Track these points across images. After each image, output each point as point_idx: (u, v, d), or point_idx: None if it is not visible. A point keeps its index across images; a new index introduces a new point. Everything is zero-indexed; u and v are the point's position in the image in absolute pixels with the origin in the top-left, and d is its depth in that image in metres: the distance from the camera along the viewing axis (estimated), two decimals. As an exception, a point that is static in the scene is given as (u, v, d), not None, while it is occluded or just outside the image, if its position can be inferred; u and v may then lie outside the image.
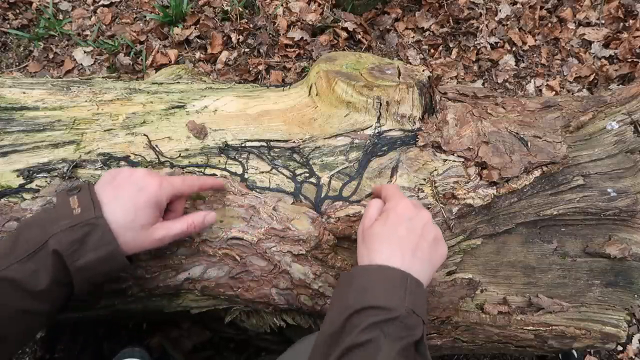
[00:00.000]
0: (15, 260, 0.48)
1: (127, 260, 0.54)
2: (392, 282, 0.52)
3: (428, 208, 0.67)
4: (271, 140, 0.70)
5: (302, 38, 1.54)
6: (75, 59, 1.49)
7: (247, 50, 1.53)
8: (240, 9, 1.54)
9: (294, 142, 0.70)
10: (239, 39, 1.53)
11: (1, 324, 0.49)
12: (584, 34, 1.64)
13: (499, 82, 1.59)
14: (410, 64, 1.37)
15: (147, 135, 0.68)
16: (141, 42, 1.51)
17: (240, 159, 0.68)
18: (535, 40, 1.64)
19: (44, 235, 0.49)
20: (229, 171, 0.67)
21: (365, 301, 0.51)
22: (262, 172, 0.68)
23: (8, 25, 1.49)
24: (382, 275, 0.53)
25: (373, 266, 0.54)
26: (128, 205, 0.53)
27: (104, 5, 1.58)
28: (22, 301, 0.49)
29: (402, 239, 0.55)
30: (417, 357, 0.51)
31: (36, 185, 0.62)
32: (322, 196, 0.67)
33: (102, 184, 0.55)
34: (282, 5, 1.57)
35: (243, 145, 0.69)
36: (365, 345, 0.48)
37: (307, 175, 0.68)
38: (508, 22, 1.66)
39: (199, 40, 1.54)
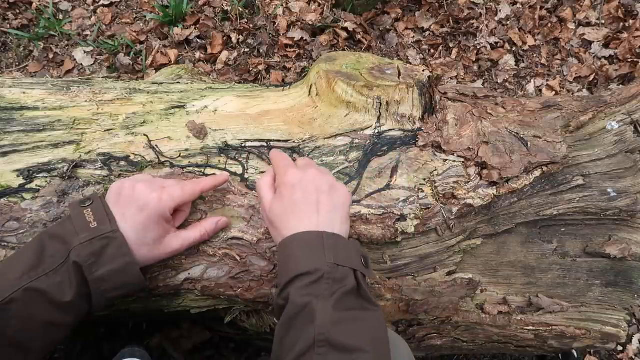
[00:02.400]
0: (43, 272, 0.50)
1: (142, 274, 0.55)
2: (308, 245, 0.53)
3: (427, 208, 0.67)
4: (271, 140, 0.70)
5: (302, 38, 1.54)
6: (75, 59, 1.48)
7: (247, 50, 1.53)
8: (240, 9, 1.54)
9: (294, 142, 0.70)
10: (239, 39, 1.53)
11: (28, 336, 0.50)
12: (584, 34, 1.63)
13: (499, 82, 1.59)
14: (410, 64, 1.37)
15: (147, 135, 0.68)
16: (141, 42, 1.51)
17: (240, 159, 0.68)
18: (535, 40, 1.64)
19: (67, 249, 0.51)
20: (229, 171, 0.67)
21: (289, 272, 0.52)
22: (262, 172, 0.68)
23: (8, 25, 1.49)
24: (297, 242, 0.54)
25: (287, 238, 0.55)
26: (134, 224, 0.55)
27: (104, 5, 1.58)
28: (49, 313, 0.51)
29: (300, 204, 0.55)
30: (361, 302, 0.51)
31: (36, 185, 0.62)
32: (322, 196, 0.67)
33: (110, 202, 0.56)
34: (282, 5, 1.57)
35: (243, 145, 0.69)
36: (301, 311, 0.49)
37: (307, 175, 0.68)
38: (508, 22, 1.66)
39: (199, 40, 1.54)
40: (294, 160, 0.64)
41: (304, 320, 0.48)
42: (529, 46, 1.63)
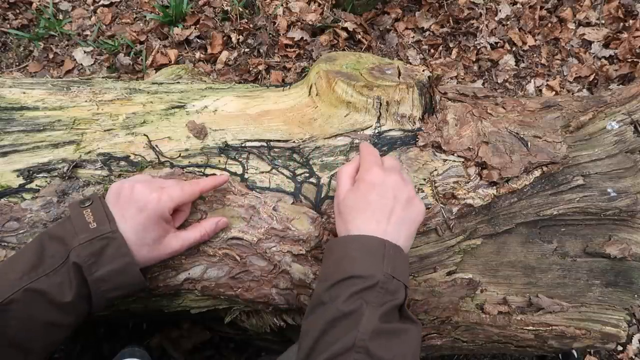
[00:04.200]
0: (43, 273, 0.50)
1: (141, 274, 0.55)
2: (368, 250, 0.53)
3: (428, 208, 0.67)
4: (271, 140, 0.70)
5: (302, 38, 1.54)
6: (75, 59, 1.49)
7: (247, 50, 1.53)
8: (240, 9, 1.54)
9: (294, 142, 0.70)
10: (239, 39, 1.53)
11: (28, 336, 0.51)
12: (584, 34, 1.63)
13: (499, 82, 1.59)
14: (410, 64, 1.37)
15: (147, 135, 0.68)
16: (141, 42, 1.51)
17: (240, 159, 0.68)
18: (535, 40, 1.64)
19: (66, 250, 0.51)
20: (229, 171, 0.67)
21: (344, 272, 0.52)
22: (262, 172, 0.68)
23: (8, 25, 1.49)
24: (359, 244, 0.54)
25: (349, 236, 0.55)
26: (134, 224, 0.55)
27: (104, 5, 1.58)
28: (49, 313, 0.51)
29: (374, 206, 0.55)
30: (401, 321, 0.52)
31: (36, 185, 0.62)
32: (322, 196, 0.67)
33: (109, 203, 0.56)
34: (282, 5, 1.57)
35: (243, 145, 0.69)
36: (348, 315, 0.49)
37: (307, 175, 0.68)
38: (508, 22, 1.66)
39: (199, 40, 1.54)
40: (382, 156, 0.63)
41: (349, 324, 0.48)
42: (529, 46, 1.63)
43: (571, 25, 1.65)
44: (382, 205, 0.55)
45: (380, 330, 0.48)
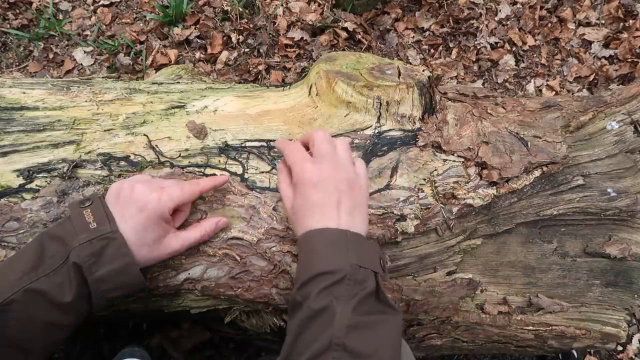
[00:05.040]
0: (43, 273, 0.50)
1: (141, 274, 0.55)
2: (330, 243, 0.53)
3: (427, 208, 0.67)
4: (271, 140, 0.70)
5: (302, 38, 1.54)
6: (75, 59, 1.49)
7: (247, 50, 1.53)
8: (240, 9, 1.54)
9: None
10: (239, 39, 1.53)
11: (28, 337, 0.51)
12: (584, 34, 1.63)
13: (499, 82, 1.59)
14: (410, 64, 1.37)
15: (147, 135, 0.68)
16: (141, 42, 1.51)
17: (240, 159, 0.68)
18: (535, 40, 1.64)
19: (66, 250, 0.51)
20: (229, 171, 0.67)
21: (312, 269, 0.52)
22: (262, 172, 0.68)
23: (8, 25, 1.49)
24: (320, 239, 0.53)
25: (312, 231, 0.54)
26: (134, 224, 0.54)
27: (104, 5, 1.58)
28: (49, 313, 0.51)
29: (320, 204, 0.55)
30: (380, 306, 0.51)
31: (36, 185, 0.62)
32: (322, 196, 0.67)
33: (109, 203, 0.56)
34: (282, 5, 1.57)
35: (243, 145, 0.69)
36: (319, 313, 0.49)
37: (307, 175, 0.68)
38: (508, 22, 1.66)
39: (199, 40, 1.54)
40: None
41: (323, 322, 0.48)
42: (529, 46, 1.63)
43: (571, 25, 1.65)
44: (327, 201, 0.55)
45: (355, 324, 0.48)
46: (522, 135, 0.73)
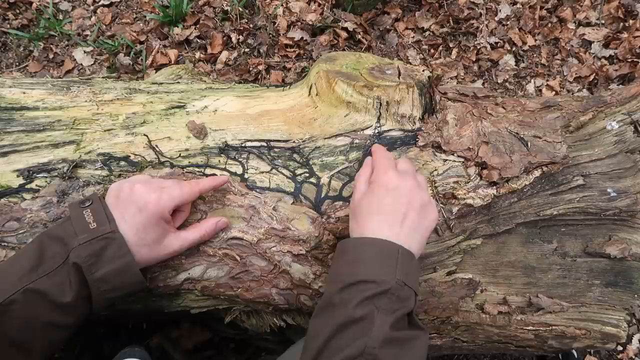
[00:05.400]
0: (43, 273, 0.50)
1: (141, 274, 0.55)
2: (382, 255, 0.53)
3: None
4: (271, 140, 0.70)
5: (302, 38, 1.54)
6: (75, 59, 1.49)
7: (247, 50, 1.53)
8: (240, 9, 1.54)
9: (294, 142, 0.70)
10: (239, 39, 1.53)
11: (28, 337, 0.51)
12: (584, 34, 1.64)
13: (499, 82, 1.59)
14: (410, 64, 1.37)
15: (147, 135, 0.68)
16: (141, 42, 1.51)
17: (240, 159, 0.68)
18: (535, 40, 1.64)
19: (66, 250, 0.51)
20: (229, 171, 0.67)
21: (356, 275, 0.51)
22: (262, 172, 0.68)
23: (8, 25, 1.49)
24: (373, 248, 0.53)
25: (363, 239, 0.54)
26: (134, 224, 0.55)
27: (104, 5, 1.58)
28: (49, 313, 0.51)
29: (387, 209, 0.55)
30: (409, 328, 0.51)
31: (36, 185, 0.62)
32: (322, 196, 0.67)
33: (109, 203, 0.56)
34: (282, 5, 1.57)
35: (243, 145, 0.69)
36: (358, 321, 0.48)
37: (307, 175, 0.68)
38: (508, 22, 1.66)
39: (199, 40, 1.54)
40: (396, 158, 0.63)
41: (360, 330, 0.48)
42: (529, 46, 1.63)
43: (571, 25, 1.65)
44: (395, 209, 0.55)
45: (390, 339, 0.48)
46: (522, 135, 0.73)
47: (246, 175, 0.67)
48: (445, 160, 0.70)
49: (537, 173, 0.71)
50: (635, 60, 1.55)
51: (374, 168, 0.60)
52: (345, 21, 1.54)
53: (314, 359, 0.49)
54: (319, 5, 1.58)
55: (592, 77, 1.57)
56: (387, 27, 1.63)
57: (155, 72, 1.17)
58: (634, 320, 1.28)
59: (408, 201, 0.56)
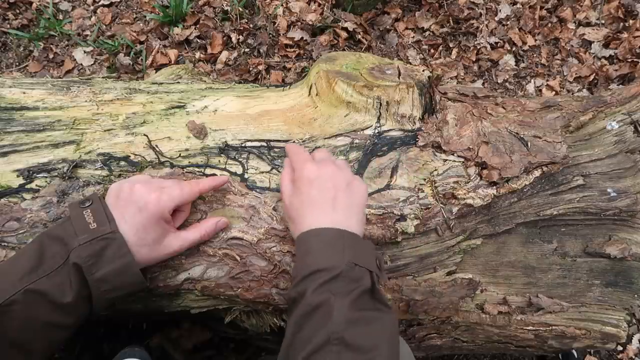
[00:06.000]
0: (43, 274, 0.50)
1: (142, 274, 0.55)
2: (327, 242, 0.53)
3: (427, 208, 0.67)
4: (271, 140, 0.70)
5: (302, 38, 1.54)
6: (75, 59, 1.49)
7: (247, 50, 1.53)
8: (240, 9, 1.54)
9: (294, 142, 0.70)
10: (239, 39, 1.53)
11: (29, 337, 0.51)
12: (584, 34, 1.64)
13: (499, 82, 1.59)
14: (410, 64, 1.37)
15: (147, 135, 0.68)
16: (141, 42, 1.51)
17: (240, 159, 0.68)
18: (535, 40, 1.64)
19: (66, 250, 0.51)
20: (229, 171, 0.67)
21: (308, 267, 0.52)
22: (262, 172, 0.68)
23: (8, 25, 1.49)
24: (317, 238, 0.54)
25: (308, 232, 0.55)
26: (134, 224, 0.55)
27: (104, 5, 1.58)
28: (50, 314, 0.51)
29: (317, 199, 0.56)
30: (375, 304, 0.52)
31: (36, 185, 0.62)
32: (322, 196, 0.67)
33: (109, 203, 0.56)
34: (282, 5, 1.57)
35: (243, 145, 0.69)
36: (317, 308, 0.49)
37: (307, 175, 0.68)
38: (508, 22, 1.66)
39: (199, 40, 1.54)
40: (312, 151, 0.64)
41: (320, 317, 0.49)
42: (529, 46, 1.63)
43: (571, 25, 1.65)
44: (324, 197, 0.56)
45: (353, 319, 0.48)
46: (522, 135, 0.73)
47: (246, 175, 0.67)
48: (445, 160, 0.70)
49: (537, 173, 0.71)
50: (635, 60, 1.55)
51: (293, 167, 0.61)
52: (345, 21, 1.54)
53: (286, 354, 0.49)
54: (319, 5, 1.58)
55: (592, 77, 1.57)
56: (387, 27, 1.63)
57: (155, 72, 1.17)
58: (634, 320, 1.28)
59: (333, 185, 0.57)
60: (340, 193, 0.56)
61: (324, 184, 0.57)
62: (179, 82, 0.83)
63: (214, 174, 0.66)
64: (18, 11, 1.53)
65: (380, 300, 0.53)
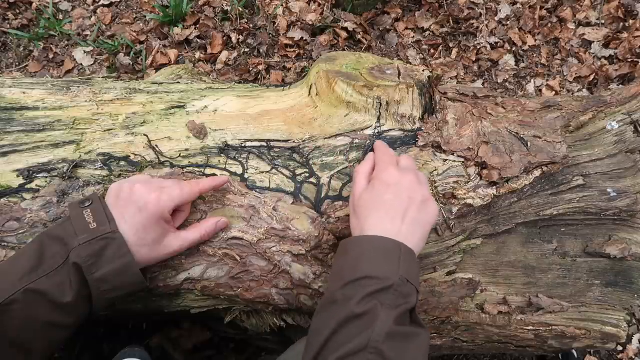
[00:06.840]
0: (43, 273, 0.50)
1: (142, 274, 0.55)
2: (385, 251, 0.53)
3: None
4: (271, 140, 0.70)
5: (302, 38, 1.54)
6: (75, 59, 1.49)
7: (247, 50, 1.53)
8: (240, 9, 1.54)
9: (294, 142, 0.70)
10: (239, 39, 1.53)
11: (29, 337, 0.51)
12: (584, 34, 1.64)
13: (499, 82, 1.59)
14: (410, 64, 1.37)
15: (147, 135, 0.68)
16: (141, 42, 1.51)
17: (240, 159, 0.68)
18: (535, 40, 1.64)
19: (66, 250, 0.51)
20: (229, 171, 0.67)
21: (359, 272, 0.51)
22: (262, 172, 0.68)
23: (8, 25, 1.49)
24: (375, 245, 0.53)
25: (366, 237, 0.54)
26: (134, 224, 0.55)
27: (104, 5, 1.58)
28: (50, 313, 0.51)
29: (388, 205, 0.55)
30: (412, 325, 0.52)
31: (36, 185, 0.62)
32: (322, 196, 0.67)
33: (109, 203, 0.56)
34: (282, 5, 1.57)
35: (243, 145, 0.69)
36: (361, 316, 0.49)
37: (307, 175, 0.68)
38: (508, 22, 1.66)
39: (199, 40, 1.54)
40: (398, 156, 0.63)
41: (363, 324, 0.48)
42: (529, 46, 1.63)
43: (571, 25, 1.65)
44: (396, 205, 0.55)
45: (394, 333, 0.48)
46: (522, 135, 0.73)
47: (246, 175, 0.67)
48: (445, 160, 0.70)
49: (537, 173, 0.71)
50: (635, 60, 1.55)
51: (375, 164, 0.61)
52: (345, 21, 1.54)
53: (318, 353, 0.49)
54: (319, 5, 1.58)
55: (592, 77, 1.57)
56: (387, 27, 1.63)
57: (155, 72, 1.17)
58: (634, 320, 1.28)
59: (409, 196, 0.56)
60: (413, 207, 0.55)
61: (400, 193, 0.56)
62: (179, 82, 0.83)
63: (214, 174, 0.66)
64: (18, 11, 1.53)
65: (417, 321, 0.52)
